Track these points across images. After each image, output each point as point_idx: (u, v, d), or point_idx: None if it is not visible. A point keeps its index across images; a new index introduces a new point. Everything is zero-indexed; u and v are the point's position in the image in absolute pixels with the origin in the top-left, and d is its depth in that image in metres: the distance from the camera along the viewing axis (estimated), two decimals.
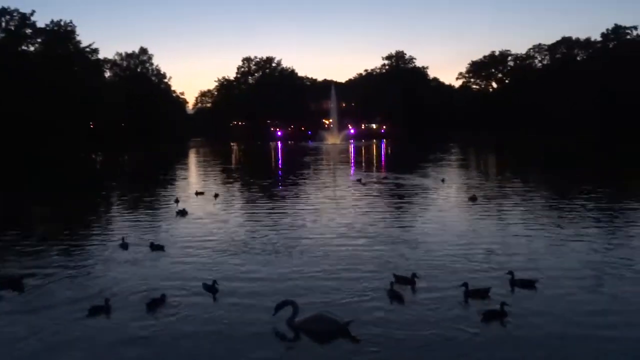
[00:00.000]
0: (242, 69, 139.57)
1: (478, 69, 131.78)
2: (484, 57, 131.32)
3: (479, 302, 9.86)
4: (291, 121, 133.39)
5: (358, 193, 26.17)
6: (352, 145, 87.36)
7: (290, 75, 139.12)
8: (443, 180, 29.78)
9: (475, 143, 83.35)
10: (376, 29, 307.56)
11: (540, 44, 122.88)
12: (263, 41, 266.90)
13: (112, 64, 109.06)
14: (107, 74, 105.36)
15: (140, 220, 19.44)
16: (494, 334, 8.65)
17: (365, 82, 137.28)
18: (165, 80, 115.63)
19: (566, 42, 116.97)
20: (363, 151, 73.07)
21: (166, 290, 10.52)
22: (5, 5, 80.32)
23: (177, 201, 23.26)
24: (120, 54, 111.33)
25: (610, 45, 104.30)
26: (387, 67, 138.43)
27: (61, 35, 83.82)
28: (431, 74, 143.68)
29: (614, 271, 11.75)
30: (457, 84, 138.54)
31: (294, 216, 19.68)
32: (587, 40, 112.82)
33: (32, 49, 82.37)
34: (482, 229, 16.67)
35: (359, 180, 30.51)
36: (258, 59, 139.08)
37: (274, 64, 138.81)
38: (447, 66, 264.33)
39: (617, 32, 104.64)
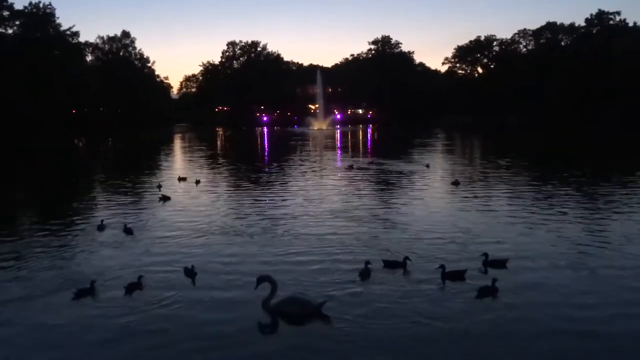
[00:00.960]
0: (227, 54, 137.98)
1: (464, 54, 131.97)
2: (470, 42, 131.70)
3: (456, 283, 10.04)
4: (277, 106, 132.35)
5: (344, 178, 26.20)
6: (339, 131, 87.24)
7: (275, 60, 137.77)
8: (427, 166, 29.95)
9: (461, 128, 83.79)
10: (362, 13, 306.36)
11: (525, 29, 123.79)
12: (248, 25, 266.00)
13: (94, 47, 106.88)
14: (89, 57, 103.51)
15: (122, 205, 19.27)
16: (466, 310, 8.78)
17: (352, 67, 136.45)
18: (149, 64, 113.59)
19: (551, 27, 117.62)
20: (349, 136, 73.05)
21: (143, 273, 10.46)
22: None
23: (159, 187, 23.06)
24: (101, 37, 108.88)
25: (594, 31, 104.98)
26: (373, 52, 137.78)
27: (40, 18, 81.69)
28: (417, 59, 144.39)
29: (593, 251, 12.04)
30: (443, 69, 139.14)
31: (277, 201, 19.70)
32: (571, 25, 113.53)
33: (10, 31, 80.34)
34: (463, 212, 16.88)
35: (351, 167, 30.44)
36: (243, 43, 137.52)
37: (259, 49, 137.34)
38: (432, 51, 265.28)
39: (600, 18, 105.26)
